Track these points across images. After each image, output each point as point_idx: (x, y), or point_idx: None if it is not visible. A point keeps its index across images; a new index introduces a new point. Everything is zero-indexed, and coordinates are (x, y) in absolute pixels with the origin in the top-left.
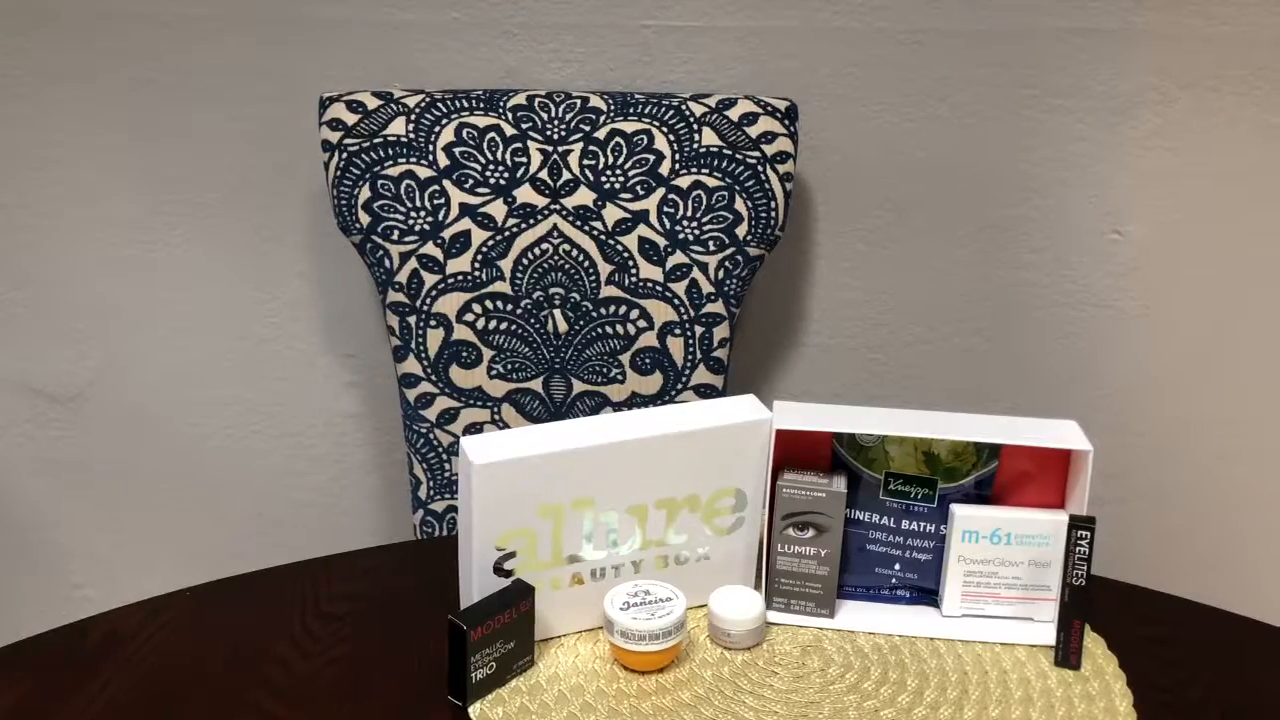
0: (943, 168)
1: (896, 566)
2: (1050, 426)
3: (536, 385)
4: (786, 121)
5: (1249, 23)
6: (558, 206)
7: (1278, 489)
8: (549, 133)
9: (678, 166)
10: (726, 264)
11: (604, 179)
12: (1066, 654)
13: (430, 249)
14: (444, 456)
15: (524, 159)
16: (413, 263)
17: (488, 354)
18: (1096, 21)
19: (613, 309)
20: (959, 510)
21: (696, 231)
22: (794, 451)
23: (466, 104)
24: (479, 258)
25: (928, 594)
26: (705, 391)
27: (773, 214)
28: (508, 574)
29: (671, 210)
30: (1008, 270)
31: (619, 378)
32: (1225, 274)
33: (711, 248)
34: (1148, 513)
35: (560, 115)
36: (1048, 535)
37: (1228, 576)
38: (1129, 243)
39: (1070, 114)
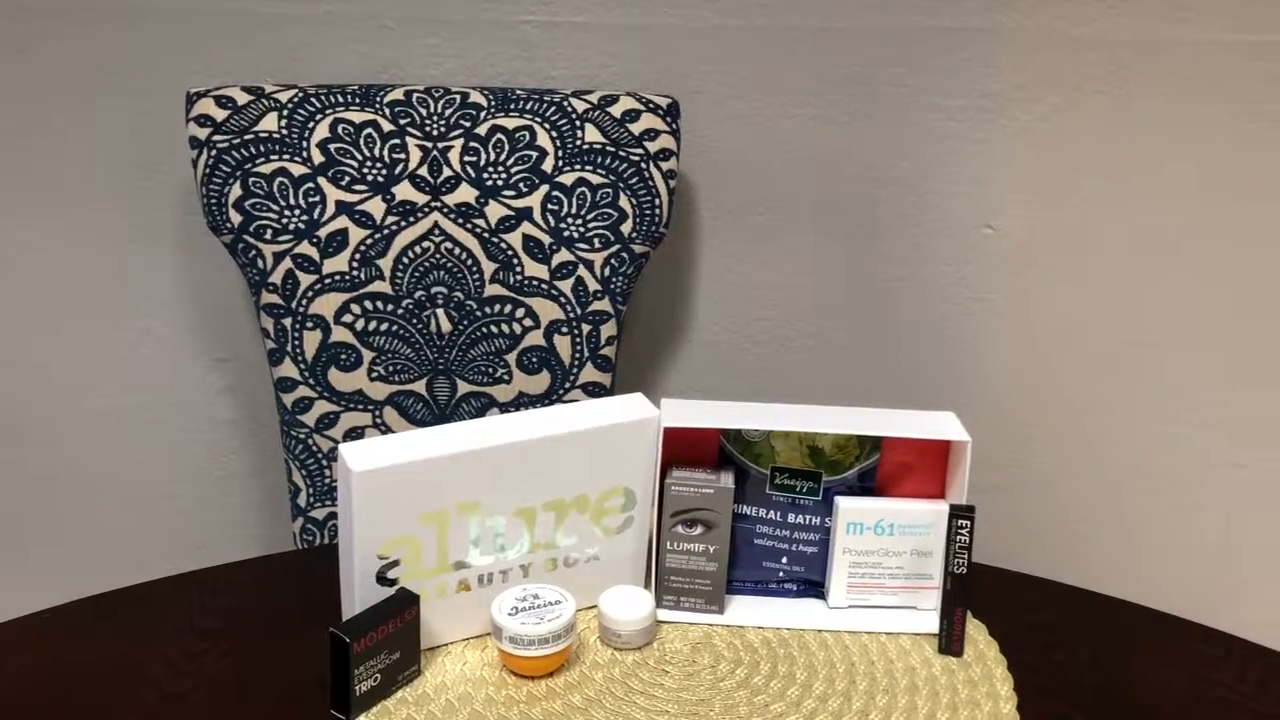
0: (822, 165)
1: (784, 560)
2: (930, 418)
3: (419, 387)
4: (669, 119)
5: (1107, 25)
6: (439, 204)
7: (1147, 474)
8: (428, 129)
9: (561, 163)
10: (612, 261)
11: (486, 176)
12: (950, 641)
13: (306, 248)
14: (324, 462)
15: (403, 155)
16: (287, 263)
17: (368, 356)
18: (966, 21)
19: (497, 308)
20: (843, 502)
21: (581, 229)
22: (682, 448)
23: (342, 99)
24: (357, 257)
25: (814, 586)
26: (594, 390)
27: (657, 211)
28: (391, 583)
29: (556, 208)
30: (886, 265)
31: (505, 378)
32: (1092, 267)
33: (597, 245)
34: (1025, 499)
35: (440, 111)
36: (929, 525)
37: (1101, 559)
38: (1000, 237)
39: (942, 111)
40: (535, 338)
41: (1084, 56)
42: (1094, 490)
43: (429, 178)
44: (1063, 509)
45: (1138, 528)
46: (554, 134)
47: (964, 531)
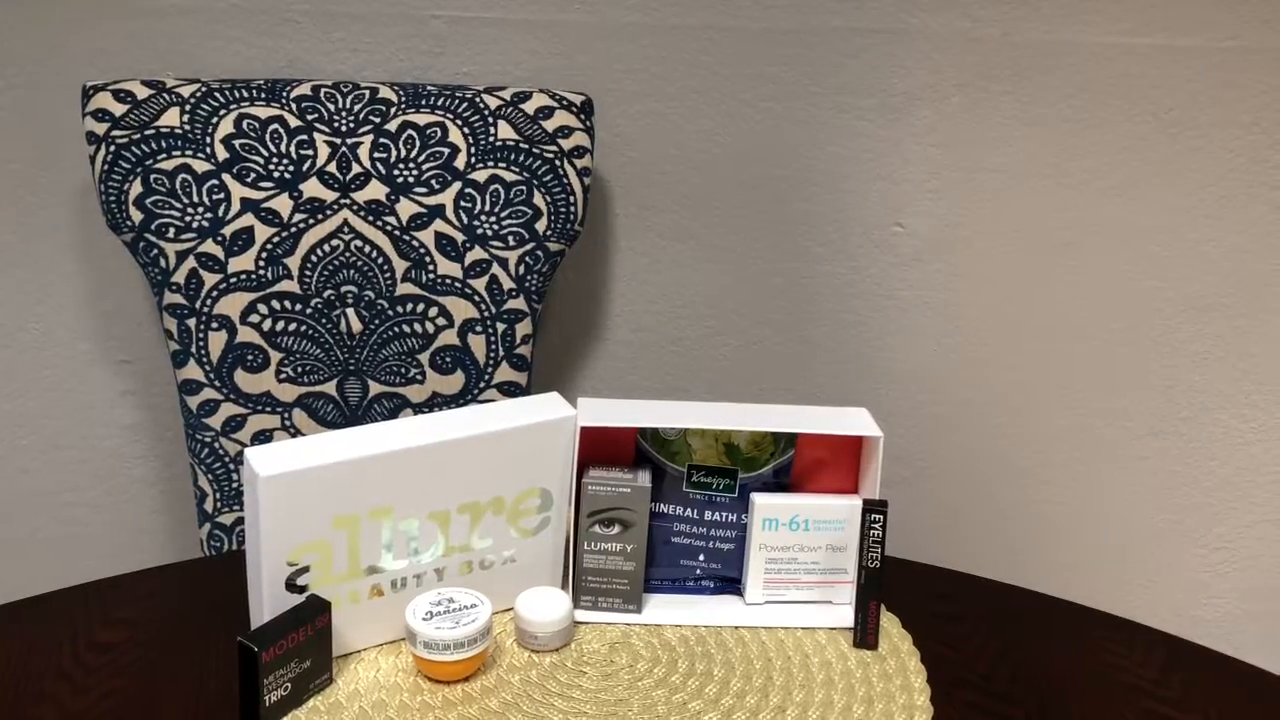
0: (735, 163)
1: (701, 557)
2: (843, 414)
3: (330, 388)
4: (582, 116)
5: (1009, 27)
6: (348, 201)
7: (1052, 466)
8: (337, 124)
9: (474, 160)
10: (527, 259)
11: (397, 172)
12: (864, 635)
13: (210, 247)
14: (230, 466)
15: (310, 151)
16: (191, 261)
17: (276, 357)
18: (875, 22)
19: (410, 307)
20: (759, 499)
21: (495, 226)
22: (598, 448)
23: (246, 94)
24: (264, 255)
25: (731, 583)
26: (509, 389)
27: (572, 209)
28: (301, 589)
29: (469, 205)
30: (798, 263)
31: (418, 378)
32: (997, 263)
33: (511, 243)
34: (936, 493)
35: (348, 106)
36: (843, 520)
37: (1009, 550)
38: (909, 235)
39: (852, 111)
40: (449, 337)
41: (990, 57)
42: (1002, 482)
43: (338, 174)
44: (972, 501)
45: (1045, 518)
46: (466, 130)
47: (877, 526)
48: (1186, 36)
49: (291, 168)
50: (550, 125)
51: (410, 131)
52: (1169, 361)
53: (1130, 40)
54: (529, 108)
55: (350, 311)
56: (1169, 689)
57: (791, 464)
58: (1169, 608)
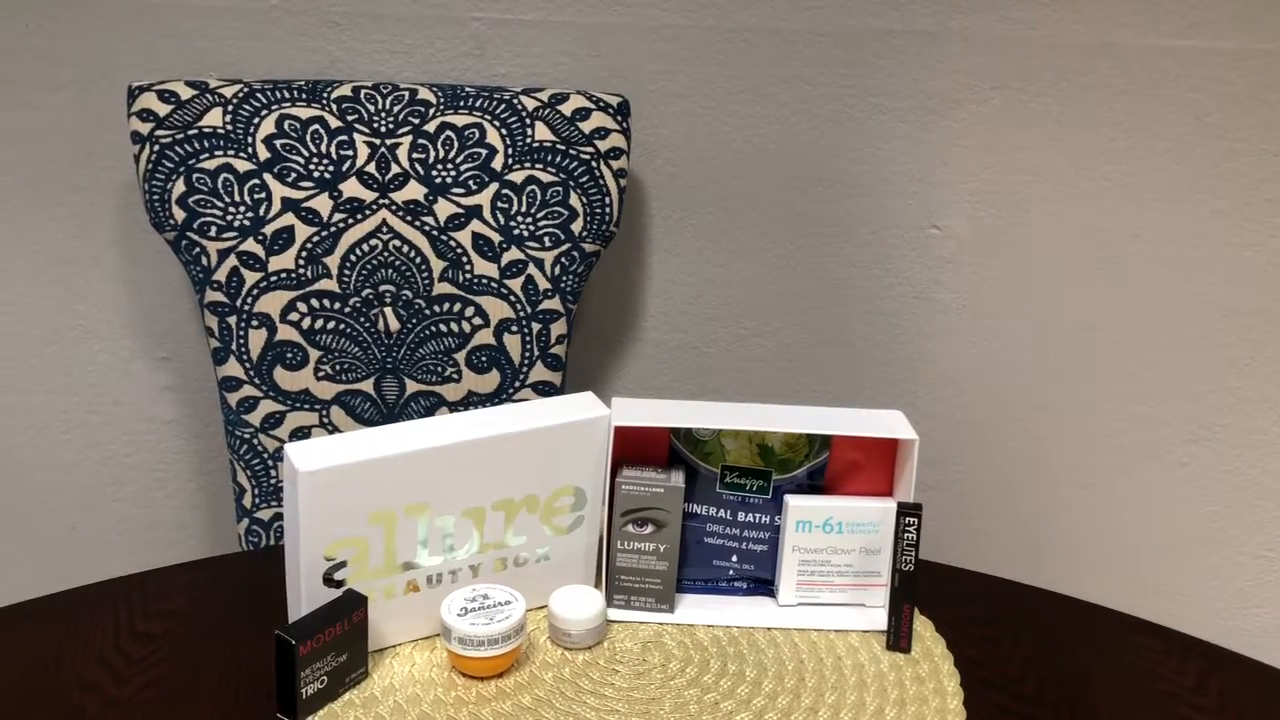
0: (771, 164)
1: (733, 558)
2: (877, 417)
3: (367, 386)
4: (619, 117)
5: (1049, 29)
6: (387, 201)
7: (1090, 470)
8: (376, 125)
9: (511, 161)
10: (563, 260)
11: (435, 173)
12: (897, 638)
13: (251, 245)
14: (269, 462)
15: (350, 152)
16: (232, 260)
17: (314, 355)
18: (912, 23)
19: (447, 306)
20: (792, 501)
21: (531, 227)
22: (632, 447)
23: (288, 95)
24: (304, 254)
25: (764, 584)
26: (544, 389)
27: (607, 210)
28: (339, 584)
29: (505, 206)
30: (833, 264)
31: (454, 377)
32: (1035, 266)
33: (547, 244)
34: (971, 496)
35: (388, 107)
36: (877, 523)
37: (1045, 554)
38: (946, 237)
39: (889, 112)
40: (485, 336)
41: (1029, 60)
42: (1038, 486)
43: (377, 175)
44: (1007, 505)
45: (1080, 523)
46: (504, 132)
47: (911, 529)
48: (1228, 39)
49: (331, 168)
50: (587, 127)
51: (449, 132)
52: (1209, 366)
53: (1171, 43)
54: (566, 109)
55: (388, 310)
56: (1205, 697)
57: (826, 466)
58: (1206, 617)
